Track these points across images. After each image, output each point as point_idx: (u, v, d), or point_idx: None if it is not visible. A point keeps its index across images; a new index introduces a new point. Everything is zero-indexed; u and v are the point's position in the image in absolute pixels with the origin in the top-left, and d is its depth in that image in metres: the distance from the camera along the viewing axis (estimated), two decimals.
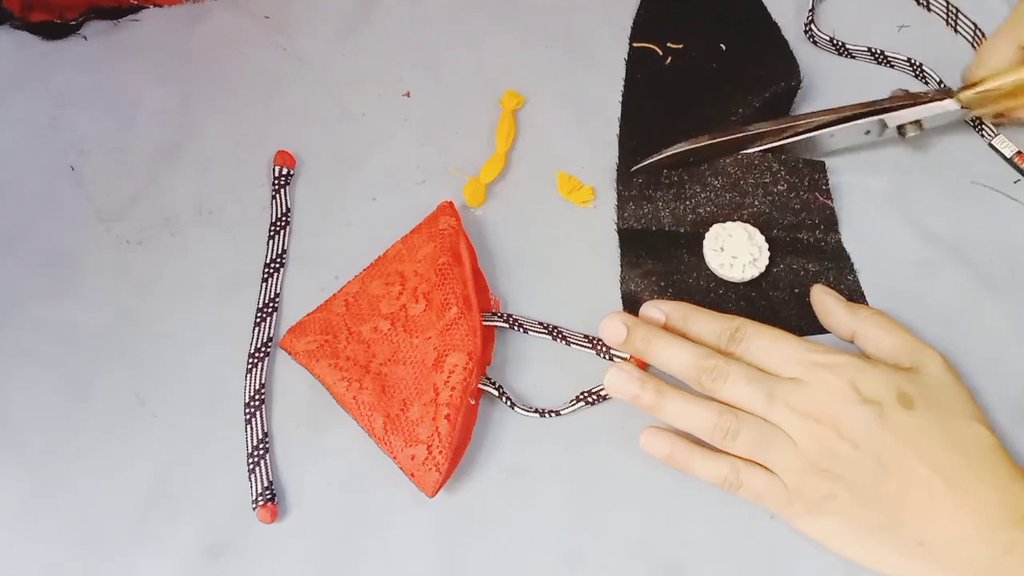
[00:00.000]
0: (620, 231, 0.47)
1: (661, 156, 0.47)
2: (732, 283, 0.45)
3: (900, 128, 0.47)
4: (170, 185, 0.50)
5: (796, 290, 0.44)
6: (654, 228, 0.47)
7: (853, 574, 0.39)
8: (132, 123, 0.52)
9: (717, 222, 0.46)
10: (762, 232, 0.45)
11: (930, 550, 0.34)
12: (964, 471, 0.34)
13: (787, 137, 0.47)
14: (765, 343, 0.38)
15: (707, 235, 0.45)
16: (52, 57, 0.55)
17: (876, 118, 0.46)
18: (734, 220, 0.46)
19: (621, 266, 0.46)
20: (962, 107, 0.47)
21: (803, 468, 0.36)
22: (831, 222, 0.46)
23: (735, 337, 0.38)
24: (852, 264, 0.45)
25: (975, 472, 0.34)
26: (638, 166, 0.48)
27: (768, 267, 0.45)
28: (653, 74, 0.53)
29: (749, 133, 0.47)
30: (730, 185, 0.47)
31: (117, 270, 0.48)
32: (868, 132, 0.47)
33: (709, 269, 0.45)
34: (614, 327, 0.40)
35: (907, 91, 0.48)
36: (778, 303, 0.44)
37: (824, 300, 0.42)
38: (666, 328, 0.40)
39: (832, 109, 0.47)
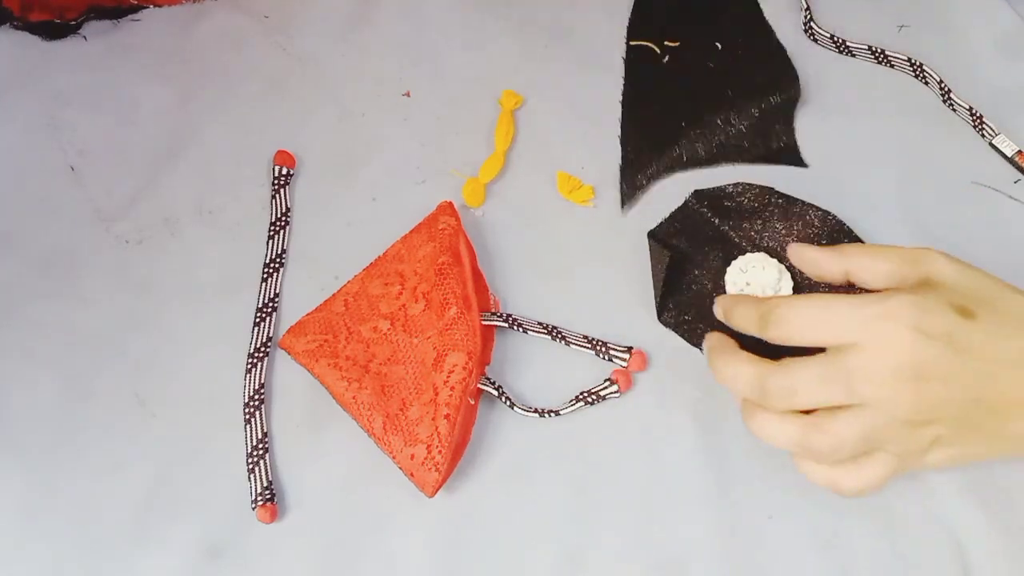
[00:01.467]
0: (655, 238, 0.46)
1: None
2: None
3: None
4: (170, 185, 0.50)
5: None
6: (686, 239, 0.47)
7: (852, 574, 0.39)
8: (132, 123, 0.52)
9: (747, 252, 0.45)
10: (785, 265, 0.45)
11: None
12: None
13: None
14: (807, 318, 0.35)
15: (732, 264, 0.44)
16: (52, 57, 0.55)
17: None
18: (760, 251, 0.45)
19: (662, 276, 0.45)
20: None
21: (904, 431, 0.34)
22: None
23: (771, 320, 0.36)
24: None
25: None
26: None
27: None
28: (652, 73, 0.53)
29: None
30: (763, 217, 0.46)
31: (117, 270, 0.48)
32: None
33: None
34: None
35: None
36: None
37: (804, 253, 0.40)
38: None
39: None
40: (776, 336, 0.36)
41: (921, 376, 0.34)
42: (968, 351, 0.34)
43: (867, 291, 0.37)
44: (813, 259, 0.40)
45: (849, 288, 0.40)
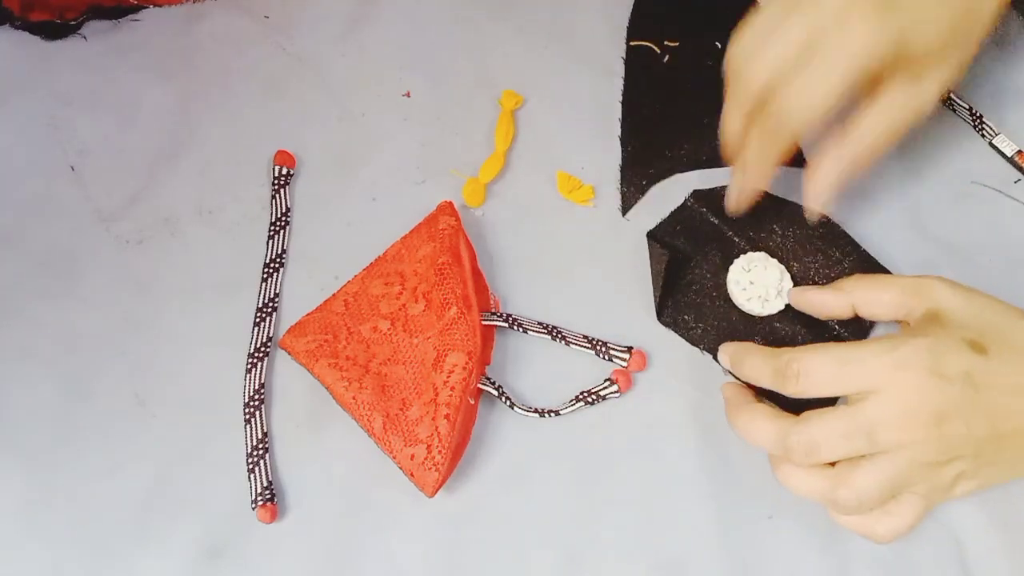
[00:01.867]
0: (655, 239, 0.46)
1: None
2: (755, 315, 0.44)
3: None
4: (170, 185, 0.50)
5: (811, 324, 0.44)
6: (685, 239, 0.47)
7: (850, 573, 0.39)
8: (132, 123, 0.52)
9: (746, 251, 0.45)
10: (787, 266, 0.45)
11: None
12: None
13: None
14: (825, 374, 0.36)
15: (735, 263, 0.45)
16: (52, 57, 0.55)
17: None
18: (759, 251, 0.45)
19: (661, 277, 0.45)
20: None
21: (929, 471, 0.35)
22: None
23: (788, 376, 0.36)
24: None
25: None
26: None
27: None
28: (652, 73, 0.53)
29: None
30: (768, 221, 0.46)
31: (117, 270, 0.48)
32: None
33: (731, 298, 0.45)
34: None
35: None
36: (799, 338, 0.44)
37: (806, 297, 0.41)
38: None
39: None
40: (794, 392, 0.36)
41: (943, 419, 0.34)
42: (984, 387, 0.34)
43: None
44: (819, 301, 0.41)
45: (856, 320, 0.41)
